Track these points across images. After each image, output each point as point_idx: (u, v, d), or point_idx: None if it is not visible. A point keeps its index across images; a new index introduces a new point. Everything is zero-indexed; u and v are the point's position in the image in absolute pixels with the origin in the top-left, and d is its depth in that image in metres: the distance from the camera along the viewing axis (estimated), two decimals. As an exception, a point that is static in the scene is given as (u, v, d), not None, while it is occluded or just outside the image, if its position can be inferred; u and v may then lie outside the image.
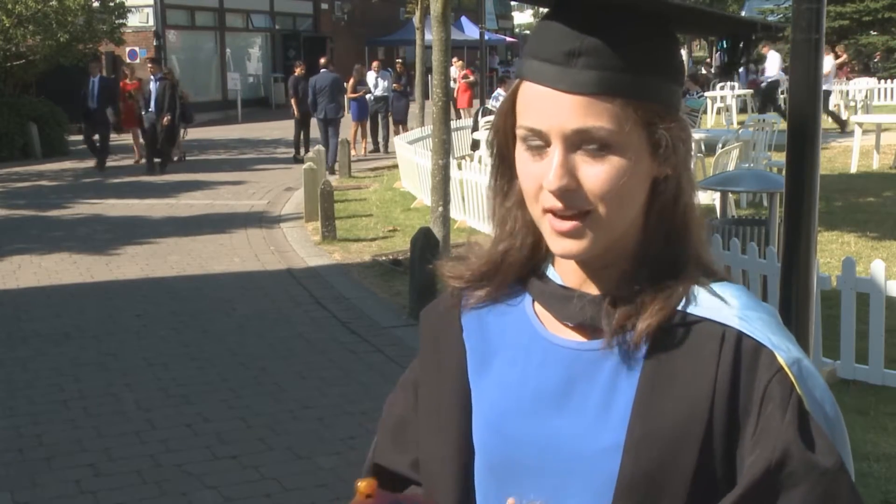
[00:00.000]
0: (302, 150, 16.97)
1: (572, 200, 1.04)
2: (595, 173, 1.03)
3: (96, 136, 17.13)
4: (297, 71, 17.88)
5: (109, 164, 17.23)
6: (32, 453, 5.05)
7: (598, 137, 1.03)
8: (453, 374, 1.20)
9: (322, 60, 17.60)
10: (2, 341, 7.11)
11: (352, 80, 18.37)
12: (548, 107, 1.04)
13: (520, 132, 1.08)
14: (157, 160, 16.57)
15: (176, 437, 5.23)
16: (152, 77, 16.64)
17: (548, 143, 1.05)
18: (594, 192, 1.04)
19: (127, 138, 18.93)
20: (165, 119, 16.27)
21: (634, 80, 1.04)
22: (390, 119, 19.54)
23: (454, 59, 24.50)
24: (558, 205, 1.05)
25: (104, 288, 8.78)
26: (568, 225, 1.05)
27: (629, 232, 1.10)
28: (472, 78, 24.44)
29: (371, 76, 19.47)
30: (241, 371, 6.35)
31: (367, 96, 18.90)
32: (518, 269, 1.17)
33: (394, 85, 20.37)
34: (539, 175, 1.05)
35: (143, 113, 16.58)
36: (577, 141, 1.03)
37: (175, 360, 6.59)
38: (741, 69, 25.68)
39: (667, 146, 1.06)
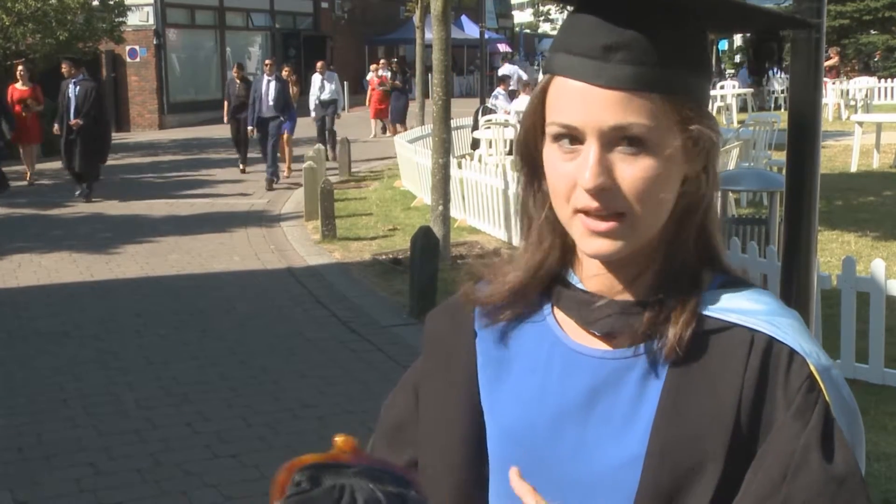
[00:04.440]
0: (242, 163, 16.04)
1: (608, 200, 1.01)
2: (632, 172, 1.00)
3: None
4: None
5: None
6: (32, 452, 5.05)
7: (636, 134, 1.00)
8: (462, 383, 1.16)
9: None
10: (2, 340, 7.11)
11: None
12: (584, 102, 1.01)
13: (551, 129, 1.04)
14: (83, 181, 13.65)
15: (176, 435, 5.23)
16: (71, 81, 13.51)
17: (581, 141, 1.01)
18: (631, 192, 1.01)
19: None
20: (74, 122, 13.23)
21: (671, 76, 1.01)
22: (336, 121, 17.86)
23: (379, 62, 22.23)
24: (593, 204, 1.01)
25: (104, 287, 8.78)
26: (604, 225, 1.01)
27: (655, 233, 1.06)
28: (387, 85, 21.06)
29: (316, 79, 17.62)
30: (242, 370, 6.35)
31: (314, 101, 17.50)
32: (548, 279, 1.14)
33: (394, 82, 20.07)
34: (571, 174, 1.02)
35: (61, 123, 13.45)
36: (614, 138, 1.00)
37: (175, 358, 6.59)
38: (744, 68, 25.69)
39: (699, 143, 1.04)
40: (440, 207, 9.06)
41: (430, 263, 7.40)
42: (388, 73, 21.04)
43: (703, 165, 1.06)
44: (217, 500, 4.46)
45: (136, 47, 25.96)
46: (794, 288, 3.12)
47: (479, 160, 12.73)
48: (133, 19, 24.07)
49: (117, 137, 18.99)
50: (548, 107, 1.05)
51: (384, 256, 9.63)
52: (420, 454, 1.20)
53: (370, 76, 21.40)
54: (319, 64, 18.04)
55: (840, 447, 1.00)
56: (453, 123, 12.41)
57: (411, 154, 13.29)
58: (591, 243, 1.03)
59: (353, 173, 15.86)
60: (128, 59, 26.20)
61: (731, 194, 8.83)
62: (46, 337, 7.16)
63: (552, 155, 1.05)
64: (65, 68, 13.78)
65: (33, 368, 6.42)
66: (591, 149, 1.01)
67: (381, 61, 22.45)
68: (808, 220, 3.05)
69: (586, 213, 1.02)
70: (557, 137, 1.04)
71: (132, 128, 26.18)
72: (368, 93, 21.43)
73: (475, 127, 16.97)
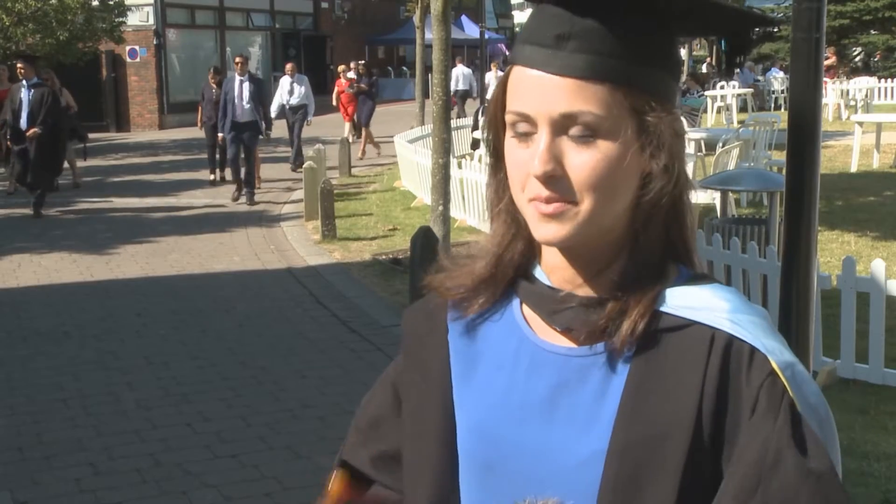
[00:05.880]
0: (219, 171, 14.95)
1: (557, 188, 1.01)
2: (582, 161, 1.01)
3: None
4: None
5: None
6: (32, 452, 5.05)
7: (586, 122, 1.00)
8: (437, 378, 1.18)
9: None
10: (2, 340, 7.11)
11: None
12: (536, 90, 1.02)
13: (508, 118, 1.06)
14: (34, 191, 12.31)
15: (176, 435, 5.23)
16: (24, 83, 12.03)
17: (536, 129, 1.03)
18: (579, 180, 1.01)
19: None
20: (31, 132, 11.79)
21: (625, 67, 1.01)
22: (304, 127, 16.36)
23: (349, 65, 20.49)
24: (544, 193, 1.02)
25: (104, 287, 8.78)
26: (552, 207, 1.02)
27: (617, 227, 1.06)
28: (354, 88, 19.02)
29: (285, 82, 16.31)
30: (241, 370, 6.35)
31: (285, 104, 16.10)
32: (513, 270, 1.14)
33: (360, 86, 19.39)
34: (525, 162, 1.03)
35: (9, 131, 12.03)
36: (565, 125, 1.01)
37: (175, 358, 6.59)
38: (743, 68, 25.72)
39: (656, 136, 1.03)
40: (440, 207, 9.05)
41: (430, 263, 7.39)
42: (354, 76, 19.41)
43: (666, 161, 1.05)
44: (217, 500, 4.46)
45: (136, 47, 25.95)
46: (794, 288, 3.12)
47: (479, 160, 12.72)
48: (133, 19, 24.07)
49: (118, 137, 19.01)
50: (507, 96, 1.07)
51: (384, 256, 9.63)
52: (403, 450, 1.21)
53: (340, 79, 20.20)
54: (289, 66, 16.73)
55: (812, 443, 1.00)
56: (453, 123, 12.40)
57: (411, 154, 13.29)
58: (542, 228, 1.04)
59: (354, 174, 15.87)
60: (128, 59, 26.20)
61: (731, 194, 8.82)
62: (46, 337, 7.16)
63: (510, 143, 1.06)
64: (20, 68, 12.18)
65: (33, 368, 6.42)
66: (541, 136, 1.02)
67: (352, 64, 20.74)
68: (808, 220, 3.05)
69: (537, 200, 1.03)
70: (513, 126, 1.05)
71: (132, 128, 26.15)
72: (335, 94, 19.74)
73: (475, 127, 16.97)
